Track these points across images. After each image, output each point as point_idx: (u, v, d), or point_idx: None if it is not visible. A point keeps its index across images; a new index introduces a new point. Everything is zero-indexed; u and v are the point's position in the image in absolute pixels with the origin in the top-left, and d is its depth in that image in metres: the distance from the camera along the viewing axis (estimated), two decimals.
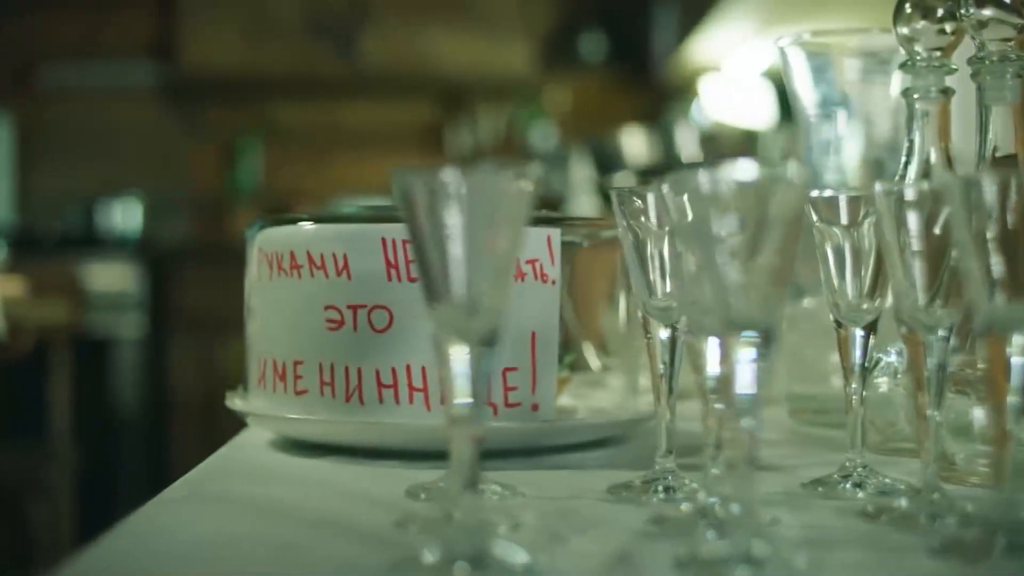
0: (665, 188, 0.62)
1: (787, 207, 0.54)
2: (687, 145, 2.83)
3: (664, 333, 0.70)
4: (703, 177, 0.54)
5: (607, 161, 2.84)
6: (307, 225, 0.85)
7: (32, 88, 4.24)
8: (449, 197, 0.53)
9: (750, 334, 0.53)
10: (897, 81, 1.08)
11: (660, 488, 0.71)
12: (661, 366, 0.71)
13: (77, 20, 4.27)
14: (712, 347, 0.62)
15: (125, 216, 4.14)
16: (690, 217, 0.56)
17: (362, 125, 4.49)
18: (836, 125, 1.06)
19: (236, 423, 0.93)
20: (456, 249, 0.54)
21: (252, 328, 0.90)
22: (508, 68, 4.36)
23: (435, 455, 0.81)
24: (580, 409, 0.98)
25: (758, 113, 3.55)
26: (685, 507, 0.65)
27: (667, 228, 0.68)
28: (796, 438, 0.98)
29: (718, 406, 0.63)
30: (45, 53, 4.27)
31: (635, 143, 2.89)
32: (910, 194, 0.63)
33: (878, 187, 0.65)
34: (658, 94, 4.38)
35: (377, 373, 0.82)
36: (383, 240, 0.82)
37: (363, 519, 0.65)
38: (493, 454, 0.80)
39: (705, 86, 3.64)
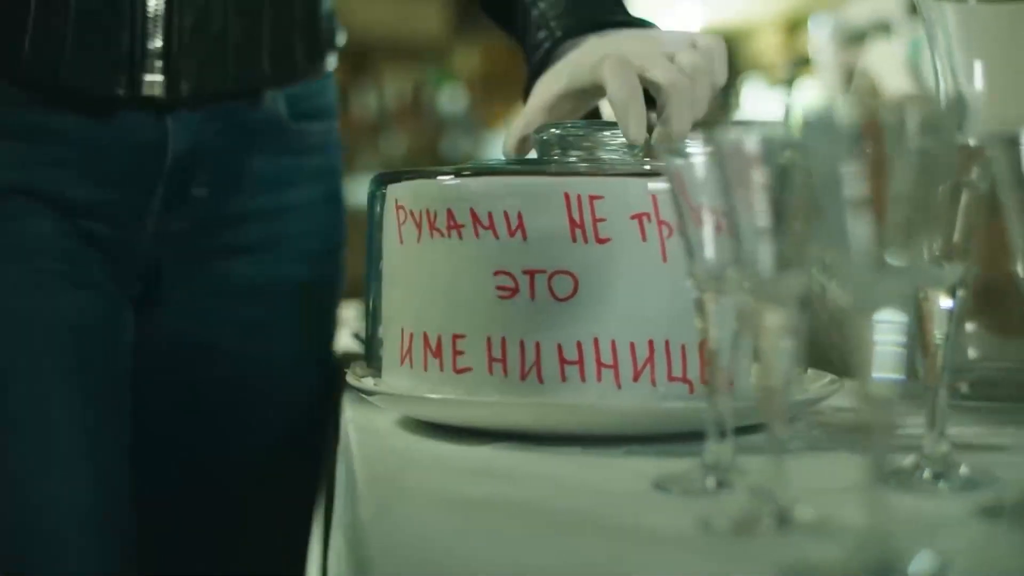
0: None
1: None
2: None
3: (945, 302, 0.62)
4: None
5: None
6: (467, 179, 0.75)
7: None
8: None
9: None
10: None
11: (929, 473, 0.62)
12: (938, 335, 0.62)
13: None
14: None
15: None
16: None
17: None
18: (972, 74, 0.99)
19: None
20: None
21: (392, 297, 0.79)
22: (417, 29, 4.24)
23: (629, 439, 0.72)
24: None
25: None
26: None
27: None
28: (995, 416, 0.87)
29: None
30: None
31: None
32: None
33: None
34: None
35: (559, 348, 0.72)
36: (566, 195, 0.72)
37: (647, 521, 0.55)
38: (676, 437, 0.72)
39: None
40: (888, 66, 1.99)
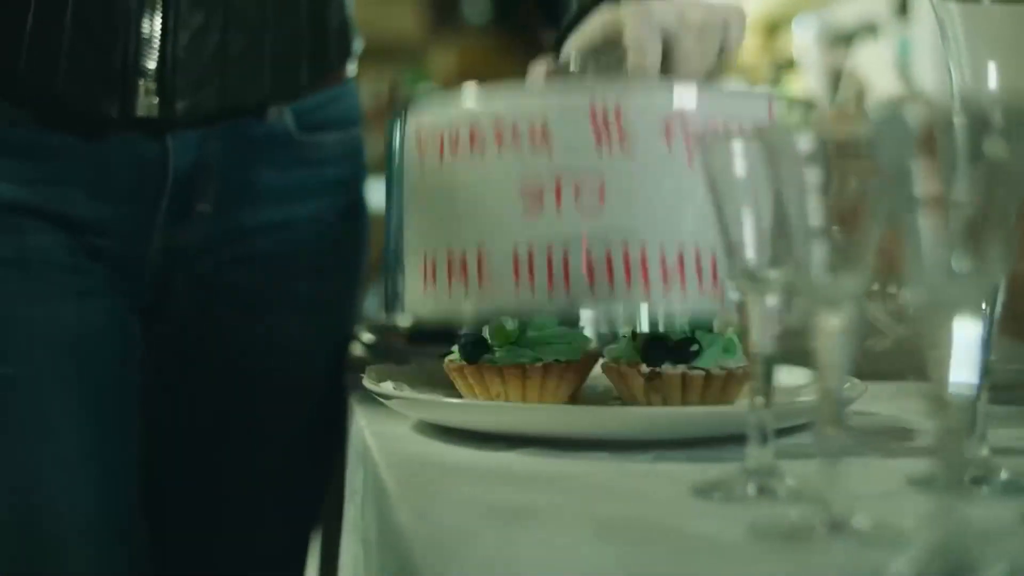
0: None
1: None
2: None
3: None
4: None
5: None
6: (490, 97, 0.75)
7: None
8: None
9: None
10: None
11: (969, 478, 0.62)
12: None
13: None
14: None
15: None
16: None
17: None
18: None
19: None
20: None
21: (414, 223, 0.78)
22: (393, 29, 4.22)
23: (655, 443, 0.71)
24: None
25: None
26: None
27: None
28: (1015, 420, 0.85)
29: None
30: None
31: None
32: None
33: None
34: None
35: (587, 258, 0.72)
36: (592, 107, 0.72)
37: (693, 528, 0.54)
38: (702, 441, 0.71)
39: None
40: (876, 68, 1.99)
